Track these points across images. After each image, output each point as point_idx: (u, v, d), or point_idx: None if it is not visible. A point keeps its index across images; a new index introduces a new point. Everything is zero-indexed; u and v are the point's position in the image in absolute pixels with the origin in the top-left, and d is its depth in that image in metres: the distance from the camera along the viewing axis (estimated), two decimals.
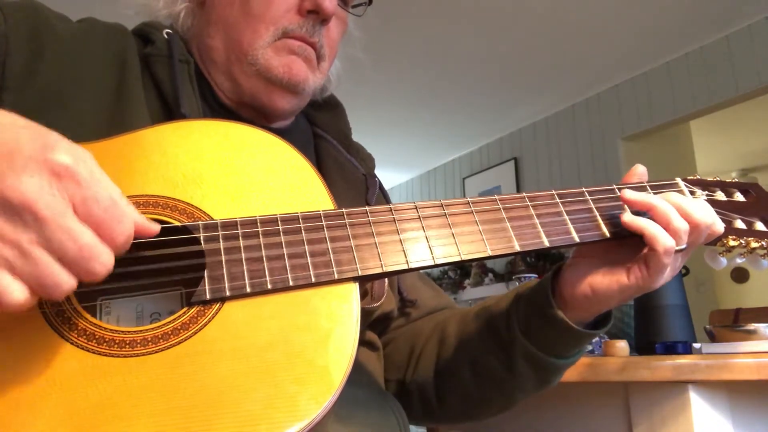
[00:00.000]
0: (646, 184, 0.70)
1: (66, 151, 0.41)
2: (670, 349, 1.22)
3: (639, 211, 0.65)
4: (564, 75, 3.88)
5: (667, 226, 0.61)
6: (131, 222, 0.44)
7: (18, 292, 0.39)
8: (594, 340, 1.40)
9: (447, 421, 0.87)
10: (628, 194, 0.64)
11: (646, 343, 1.31)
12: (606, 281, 0.65)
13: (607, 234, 0.64)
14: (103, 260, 0.42)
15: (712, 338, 1.22)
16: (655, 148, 3.96)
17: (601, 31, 3.32)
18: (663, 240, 0.60)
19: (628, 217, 0.63)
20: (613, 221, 0.65)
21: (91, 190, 0.42)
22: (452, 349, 0.79)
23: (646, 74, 3.80)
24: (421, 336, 0.84)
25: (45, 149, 0.41)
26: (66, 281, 0.41)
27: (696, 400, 1.01)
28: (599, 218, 0.65)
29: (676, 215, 0.61)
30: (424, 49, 3.53)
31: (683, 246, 0.62)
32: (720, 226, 0.65)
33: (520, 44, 3.48)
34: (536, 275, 2.13)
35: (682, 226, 0.61)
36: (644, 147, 3.94)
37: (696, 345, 1.22)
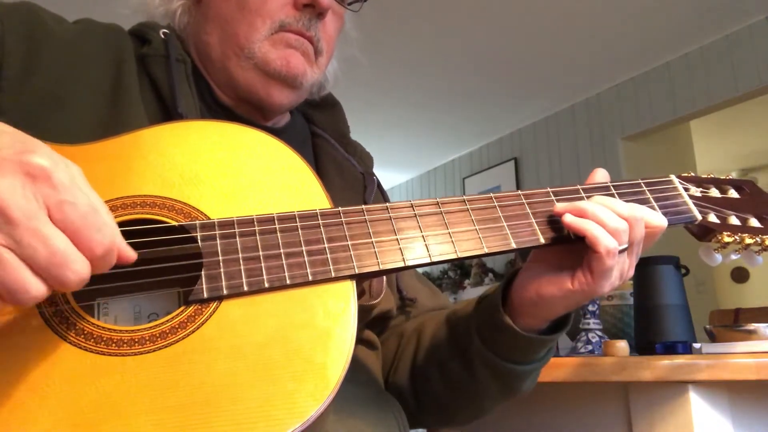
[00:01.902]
0: (641, 181, 0.69)
1: (44, 155, 0.40)
2: (670, 349, 1.22)
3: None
4: (564, 75, 3.88)
5: (603, 226, 0.59)
6: (111, 232, 0.42)
7: None
8: (594, 340, 1.40)
9: (427, 425, 0.86)
10: (559, 207, 0.62)
11: (646, 343, 1.31)
12: (550, 287, 0.64)
13: None
14: (76, 268, 0.40)
15: (712, 338, 1.22)
16: (655, 148, 3.96)
17: (601, 31, 3.33)
18: (605, 240, 0.59)
19: (569, 218, 0.61)
20: None
21: (68, 194, 0.40)
22: (425, 353, 0.79)
23: (646, 74, 3.80)
24: (403, 337, 0.84)
25: (22, 152, 0.40)
26: (33, 287, 0.39)
27: (696, 400, 1.01)
28: None
29: (609, 214, 0.60)
30: (425, 50, 3.53)
31: (624, 245, 0.60)
32: (662, 220, 0.63)
33: (520, 44, 3.48)
34: None
35: (620, 225, 0.60)
36: (644, 147, 3.94)
37: (696, 345, 1.22)
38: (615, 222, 0.59)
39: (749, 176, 5.71)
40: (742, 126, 4.71)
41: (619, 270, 0.62)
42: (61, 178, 0.40)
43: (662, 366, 1.01)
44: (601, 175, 0.69)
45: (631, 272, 0.64)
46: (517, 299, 0.67)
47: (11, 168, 0.39)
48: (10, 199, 0.38)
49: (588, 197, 0.65)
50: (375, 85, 3.87)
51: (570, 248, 0.63)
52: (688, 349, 1.21)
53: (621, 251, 0.60)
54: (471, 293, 4.52)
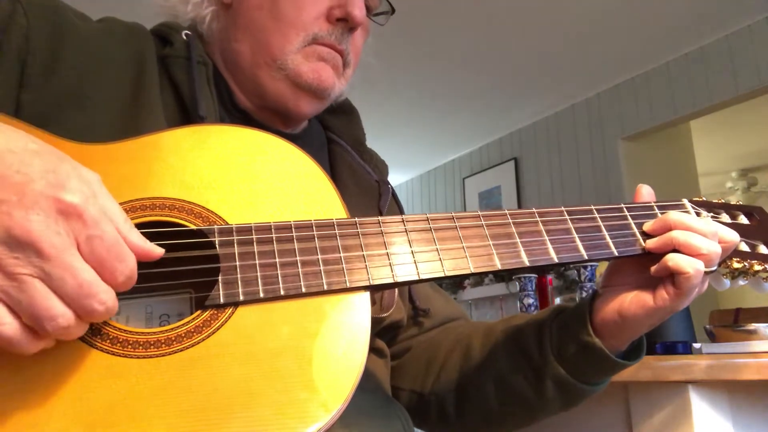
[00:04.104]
0: (653, 204, 0.70)
1: (76, 190, 0.42)
2: (670, 349, 1.23)
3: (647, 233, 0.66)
4: (564, 75, 3.88)
5: (698, 254, 0.61)
6: (133, 261, 0.45)
7: (8, 325, 0.40)
8: None
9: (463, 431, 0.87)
10: (647, 228, 0.65)
11: (646, 344, 1.31)
12: (633, 307, 0.65)
13: (615, 252, 0.64)
14: (102, 298, 0.42)
15: (712, 338, 1.23)
16: (655, 148, 3.96)
17: (601, 31, 3.33)
18: (691, 264, 0.61)
19: (652, 243, 0.64)
20: (620, 240, 0.65)
21: (97, 230, 0.42)
22: (477, 365, 0.79)
23: (646, 74, 3.81)
24: (441, 348, 0.84)
25: (56, 187, 0.41)
26: (62, 314, 0.41)
27: (696, 400, 1.02)
28: (607, 237, 0.65)
29: (703, 240, 0.62)
30: (425, 50, 3.53)
31: (714, 268, 0.63)
32: (734, 235, 0.66)
33: (520, 44, 3.48)
34: (536, 275, 2.13)
35: (715, 249, 0.62)
36: (644, 147, 3.94)
37: (696, 345, 1.23)
38: (708, 246, 0.62)
39: (749, 176, 5.70)
40: (742, 126, 4.70)
41: (700, 288, 0.64)
42: (92, 214, 0.42)
43: (662, 366, 1.02)
44: (646, 191, 0.71)
45: (705, 286, 0.66)
46: (599, 322, 0.68)
47: (45, 205, 0.40)
48: (43, 235, 0.40)
49: (601, 217, 0.66)
50: (375, 85, 3.87)
51: (643, 267, 0.65)
52: (688, 349, 1.22)
53: (707, 272, 0.62)
54: (471, 293, 4.52)
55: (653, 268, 0.64)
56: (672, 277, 0.62)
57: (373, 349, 0.80)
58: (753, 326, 1.14)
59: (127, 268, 0.44)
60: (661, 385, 1.06)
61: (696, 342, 1.27)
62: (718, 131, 4.69)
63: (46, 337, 0.42)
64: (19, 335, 0.41)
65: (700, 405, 1.02)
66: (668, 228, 0.64)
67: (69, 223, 0.41)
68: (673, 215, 0.64)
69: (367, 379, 0.74)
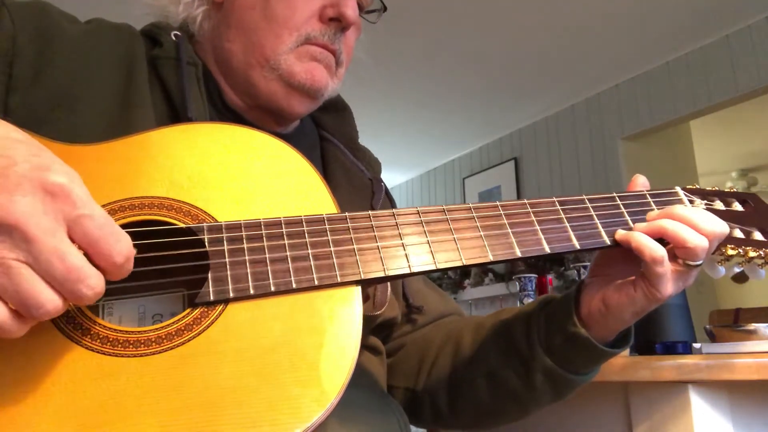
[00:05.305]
0: (646, 192, 0.70)
1: (61, 172, 0.41)
2: (670, 349, 1.22)
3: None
4: (564, 75, 3.88)
5: (684, 245, 0.61)
6: (129, 241, 0.43)
7: None
8: None
9: (457, 427, 0.87)
10: (638, 226, 0.65)
11: (646, 343, 1.31)
12: (616, 295, 0.65)
13: (608, 241, 0.64)
14: (91, 283, 0.41)
15: (712, 338, 1.23)
16: (655, 148, 3.96)
17: (601, 31, 3.33)
18: (649, 250, 0.61)
19: (619, 234, 0.64)
20: (612, 229, 0.65)
21: (86, 209, 0.41)
22: (468, 361, 0.79)
23: (646, 74, 3.81)
24: (432, 345, 0.84)
25: (40, 169, 0.40)
26: (49, 300, 0.40)
27: (696, 400, 1.02)
28: (599, 226, 0.65)
29: (691, 233, 0.62)
30: (424, 50, 3.54)
31: (699, 262, 0.62)
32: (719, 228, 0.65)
33: (520, 44, 3.48)
34: (536, 275, 2.13)
35: (701, 243, 0.61)
36: (644, 147, 3.95)
37: (696, 345, 1.22)
38: (696, 239, 0.61)
39: (749, 176, 5.70)
40: (742, 126, 4.71)
41: (685, 278, 0.64)
42: (79, 194, 0.41)
43: (662, 366, 1.02)
44: (641, 181, 0.71)
45: (691, 279, 0.65)
46: (585, 310, 0.68)
47: (30, 186, 0.40)
48: (30, 217, 0.39)
49: (593, 207, 0.66)
50: (375, 85, 3.87)
51: (629, 257, 0.65)
52: (688, 349, 1.21)
53: (695, 266, 0.62)
54: (471, 293, 4.52)
55: (618, 233, 0.64)
56: (643, 267, 0.63)
57: (369, 347, 0.80)
58: (753, 326, 1.14)
59: (126, 248, 0.43)
60: (660, 385, 1.05)
61: (696, 342, 1.27)
62: (718, 131, 4.69)
63: (33, 320, 0.41)
64: (6, 321, 0.40)
65: (699, 405, 1.02)
66: (663, 218, 0.64)
67: (56, 204, 0.40)
68: (677, 209, 0.64)
69: (363, 376, 0.74)
